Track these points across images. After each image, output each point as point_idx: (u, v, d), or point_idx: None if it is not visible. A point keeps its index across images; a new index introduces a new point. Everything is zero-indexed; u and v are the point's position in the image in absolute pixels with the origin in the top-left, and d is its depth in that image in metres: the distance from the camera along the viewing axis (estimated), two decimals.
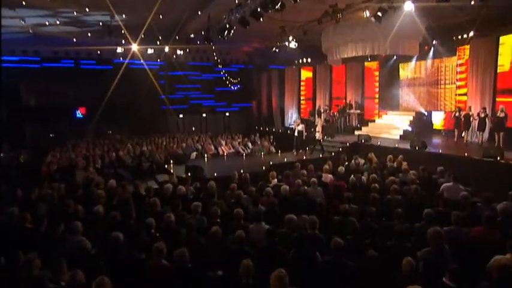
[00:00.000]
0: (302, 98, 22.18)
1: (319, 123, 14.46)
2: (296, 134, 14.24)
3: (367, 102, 18.46)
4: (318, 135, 13.94)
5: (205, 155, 14.72)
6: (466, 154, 10.51)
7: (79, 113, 20.32)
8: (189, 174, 10.45)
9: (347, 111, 18.05)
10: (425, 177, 8.45)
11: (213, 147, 16.10)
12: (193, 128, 22.78)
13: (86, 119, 20.38)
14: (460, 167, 9.07)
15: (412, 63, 16.16)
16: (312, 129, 14.33)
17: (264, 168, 11.28)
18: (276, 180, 8.90)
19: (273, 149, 16.79)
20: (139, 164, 13.41)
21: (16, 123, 18.29)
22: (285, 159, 12.87)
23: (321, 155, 13.44)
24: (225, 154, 15.54)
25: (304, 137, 14.15)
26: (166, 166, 12.78)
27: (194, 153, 14.69)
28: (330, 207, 6.40)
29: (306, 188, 7.60)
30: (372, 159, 10.47)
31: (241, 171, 10.72)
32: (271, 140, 17.93)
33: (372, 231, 5.08)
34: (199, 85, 24.00)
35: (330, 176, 9.11)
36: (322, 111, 19.10)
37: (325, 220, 5.54)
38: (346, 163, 10.54)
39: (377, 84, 17.91)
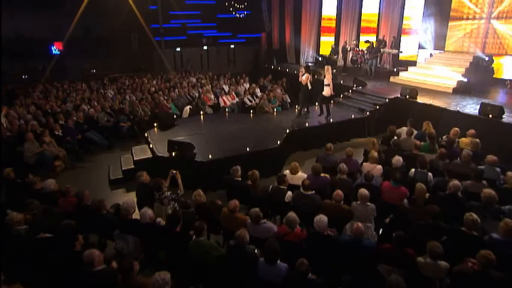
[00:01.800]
0: (323, 31, 18.18)
1: (327, 73, 10.09)
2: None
3: (406, 40, 14.65)
4: (327, 91, 10.21)
5: (201, 111, 11.75)
6: None
7: (55, 49, 16.91)
8: (173, 154, 7.71)
9: (380, 51, 14.37)
10: None
11: (212, 96, 13.05)
12: (191, 65, 19.31)
13: (64, 56, 17.03)
14: None
15: None
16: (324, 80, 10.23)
17: (278, 142, 8.42)
18: (299, 174, 6.21)
19: (287, 98, 13.67)
20: (117, 125, 10.63)
21: None
22: (307, 124, 9.95)
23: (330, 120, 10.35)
24: (228, 105, 12.55)
25: (308, 92, 10.61)
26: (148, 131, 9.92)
27: (188, 108, 11.73)
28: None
29: (346, 206, 4.99)
30: (430, 132, 7.48)
31: (247, 149, 7.96)
32: (284, 85, 14.69)
33: None
34: (199, 11, 19.96)
35: (379, 168, 6.31)
36: (348, 48, 15.41)
37: None
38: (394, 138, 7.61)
39: (420, 16, 13.91)
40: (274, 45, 20.63)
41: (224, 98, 12.71)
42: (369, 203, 5.09)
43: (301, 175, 6.27)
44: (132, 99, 11.77)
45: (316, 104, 11.05)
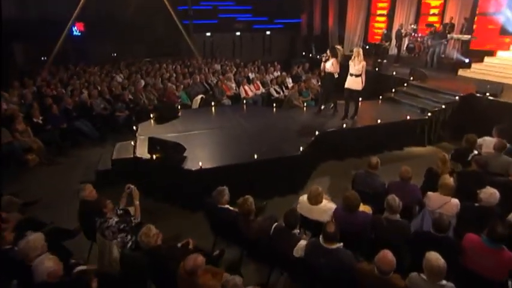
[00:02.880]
0: (373, 13, 15.36)
1: (357, 58, 7.23)
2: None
3: (480, 23, 11.56)
4: (357, 83, 7.34)
5: (217, 101, 9.68)
6: None
7: (76, 30, 15.67)
8: (153, 157, 5.71)
9: (447, 36, 11.42)
10: None
11: (233, 85, 10.96)
12: (219, 52, 17.35)
13: (85, 37, 15.75)
14: None
15: None
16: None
17: (301, 149, 6.10)
18: (323, 204, 3.97)
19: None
20: (113, 114, 8.89)
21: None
22: (344, 126, 7.47)
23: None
24: (250, 97, 10.39)
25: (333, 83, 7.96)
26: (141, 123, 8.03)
27: (199, 97, 9.72)
28: None
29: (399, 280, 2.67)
30: None
31: (255, 156, 5.79)
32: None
33: None
34: None
35: (455, 204, 3.87)
36: (403, 33, 12.57)
37: None
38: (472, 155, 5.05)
39: None
40: (315, 30, 18.05)
41: (246, 87, 10.55)
42: (444, 283, 2.71)
43: (326, 206, 4.00)
44: (136, 85, 9.97)
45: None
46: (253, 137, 6.84)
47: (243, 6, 18.19)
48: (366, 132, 7.42)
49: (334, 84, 7.90)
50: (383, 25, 14.36)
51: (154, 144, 5.96)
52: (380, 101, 9.38)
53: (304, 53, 16.39)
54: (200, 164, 5.41)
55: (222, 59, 15.13)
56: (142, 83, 10.50)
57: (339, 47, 7.83)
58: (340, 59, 7.56)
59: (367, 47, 14.69)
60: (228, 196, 4.21)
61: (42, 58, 14.42)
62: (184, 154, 5.89)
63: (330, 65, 7.57)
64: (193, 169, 5.42)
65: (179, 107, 8.85)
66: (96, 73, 11.92)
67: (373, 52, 13.18)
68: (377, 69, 11.60)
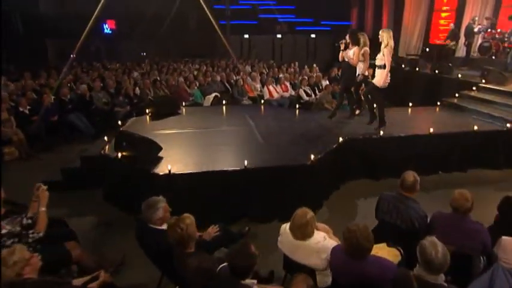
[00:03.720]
0: (437, 8, 13.00)
1: (383, 43, 5.34)
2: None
3: None
4: (380, 77, 5.40)
5: (231, 101, 8.20)
6: None
7: (107, 28, 15.34)
8: (119, 156, 4.37)
9: None
10: None
11: (258, 86, 9.43)
12: (255, 53, 15.99)
13: (116, 35, 15.37)
14: None
15: None
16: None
17: (312, 158, 4.33)
18: (315, 237, 2.47)
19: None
20: (112, 109, 7.79)
21: (35, 38, 14.17)
22: (381, 133, 5.50)
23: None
24: (274, 98, 8.78)
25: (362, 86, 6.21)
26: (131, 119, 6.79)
27: (212, 95, 8.31)
28: None
29: None
30: None
31: (245, 163, 4.20)
32: None
33: None
34: None
35: None
36: (476, 29, 10.16)
37: None
38: None
39: None
40: (366, 33, 15.97)
41: (271, 87, 8.94)
42: None
43: (319, 244, 2.46)
44: (144, 79, 8.85)
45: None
46: (257, 141, 5.21)
47: (286, 6, 16.74)
48: (411, 144, 5.40)
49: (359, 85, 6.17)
50: (449, 21, 11.95)
51: (121, 140, 4.61)
52: (438, 108, 7.24)
53: None
54: (169, 167, 3.91)
55: (256, 61, 13.73)
56: (155, 78, 9.39)
57: (362, 33, 5.96)
58: (361, 50, 5.66)
59: (427, 49, 12.41)
60: (165, 212, 2.74)
61: (72, 55, 14.17)
62: (160, 155, 4.46)
63: (352, 55, 5.73)
64: (161, 173, 3.95)
65: (184, 103, 7.53)
66: (116, 69, 11.13)
67: (435, 55, 10.97)
68: (436, 71, 9.37)
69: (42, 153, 6.74)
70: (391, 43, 5.26)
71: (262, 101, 8.36)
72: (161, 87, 8.77)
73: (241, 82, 9.07)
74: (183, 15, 15.81)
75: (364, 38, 5.76)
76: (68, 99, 7.65)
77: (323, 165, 4.56)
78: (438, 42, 12.37)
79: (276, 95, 8.89)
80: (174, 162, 4.24)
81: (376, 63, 5.42)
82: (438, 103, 7.38)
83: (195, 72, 10.49)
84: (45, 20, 14.56)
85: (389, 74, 5.37)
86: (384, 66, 5.28)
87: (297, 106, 7.51)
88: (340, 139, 5.05)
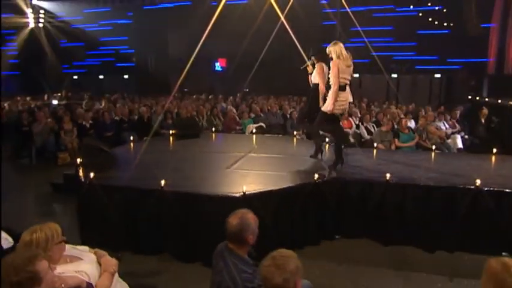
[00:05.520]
0: None
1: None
2: None
3: None
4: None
5: (280, 133, 7.43)
6: None
7: (218, 65, 16.82)
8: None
9: None
10: None
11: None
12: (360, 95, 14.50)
13: (225, 72, 16.68)
14: None
15: None
16: None
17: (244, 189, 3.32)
18: None
19: (457, 140, 6.96)
20: (159, 131, 8.14)
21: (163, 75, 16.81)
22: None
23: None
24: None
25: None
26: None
27: (255, 125, 7.72)
28: None
29: None
30: None
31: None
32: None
33: None
34: (392, 26, 15.02)
35: None
36: None
37: None
38: None
39: None
40: (508, 69, 12.56)
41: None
42: None
43: None
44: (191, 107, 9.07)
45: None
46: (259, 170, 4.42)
47: (404, 43, 14.91)
48: (441, 198, 3.57)
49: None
50: None
51: (87, 148, 4.66)
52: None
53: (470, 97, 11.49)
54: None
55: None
56: (220, 107, 9.53)
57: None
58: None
59: None
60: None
61: (185, 89, 16.04)
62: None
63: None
64: (105, 184, 3.73)
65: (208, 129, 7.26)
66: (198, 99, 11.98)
67: None
68: None
69: None
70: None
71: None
72: (217, 115, 8.80)
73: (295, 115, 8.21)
74: (288, 52, 16.01)
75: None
76: (126, 119, 8.45)
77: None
78: None
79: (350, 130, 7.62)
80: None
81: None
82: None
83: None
84: (172, 61, 17.14)
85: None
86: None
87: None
88: (316, 177, 3.72)
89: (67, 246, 2.11)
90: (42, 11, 16.62)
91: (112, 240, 3.46)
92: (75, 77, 19.18)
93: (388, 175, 3.73)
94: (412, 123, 7.84)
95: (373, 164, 4.70)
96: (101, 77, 19.09)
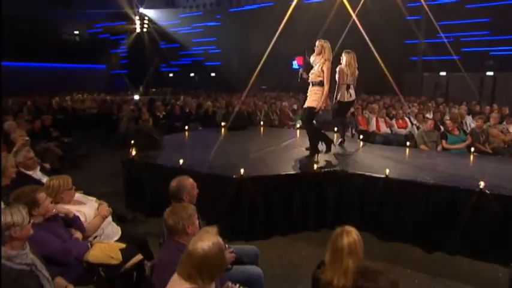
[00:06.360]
0: None
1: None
2: None
3: None
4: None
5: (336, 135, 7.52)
6: None
7: (295, 63, 17.04)
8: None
9: None
10: None
11: (374, 119, 8.15)
12: (441, 93, 13.39)
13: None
14: None
15: None
16: None
17: (242, 172, 3.75)
18: None
19: None
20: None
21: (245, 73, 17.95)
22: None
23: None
24: (381, 133, 7.34)
25: None
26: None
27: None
28: None
29: None
30: None
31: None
32: None
33: None
34: (489, 18, 13.39)
35: None
36: None
37: None
38: None
39: None
40: None
41: (380, 120, 7.54)
42: None
43: None
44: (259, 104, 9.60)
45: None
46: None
47: (504, 36, 13.16)
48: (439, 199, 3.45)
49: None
50: None
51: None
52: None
53: None
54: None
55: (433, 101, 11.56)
56: (282, 104, 9.94)
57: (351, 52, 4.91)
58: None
59: None
60: None
61: (263, 87, 16.80)
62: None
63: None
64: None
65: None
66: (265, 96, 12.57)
67: None
68: None
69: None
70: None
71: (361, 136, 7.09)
72: (275, 111, 9.26)
73: (355, 115, 8.12)
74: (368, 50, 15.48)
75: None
76: (194, 112, 9.51)
77: (253, 184, 3.78)
78: None
79: (383, 129, 7.42)
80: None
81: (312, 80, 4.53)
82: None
83: None
84: (254, 59, 18.06)
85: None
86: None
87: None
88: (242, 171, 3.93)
89: (79, 194, 2.89)
90: (146, 18, 19.24)
91: (143, 204, 4.30)
92: (171, 74, 21.70)
93: (387, 170, 3.74)
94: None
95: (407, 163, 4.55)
96: (192, 74, 21.20)
